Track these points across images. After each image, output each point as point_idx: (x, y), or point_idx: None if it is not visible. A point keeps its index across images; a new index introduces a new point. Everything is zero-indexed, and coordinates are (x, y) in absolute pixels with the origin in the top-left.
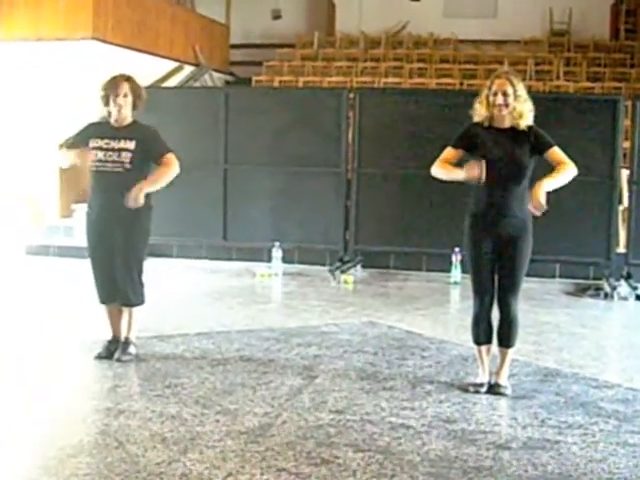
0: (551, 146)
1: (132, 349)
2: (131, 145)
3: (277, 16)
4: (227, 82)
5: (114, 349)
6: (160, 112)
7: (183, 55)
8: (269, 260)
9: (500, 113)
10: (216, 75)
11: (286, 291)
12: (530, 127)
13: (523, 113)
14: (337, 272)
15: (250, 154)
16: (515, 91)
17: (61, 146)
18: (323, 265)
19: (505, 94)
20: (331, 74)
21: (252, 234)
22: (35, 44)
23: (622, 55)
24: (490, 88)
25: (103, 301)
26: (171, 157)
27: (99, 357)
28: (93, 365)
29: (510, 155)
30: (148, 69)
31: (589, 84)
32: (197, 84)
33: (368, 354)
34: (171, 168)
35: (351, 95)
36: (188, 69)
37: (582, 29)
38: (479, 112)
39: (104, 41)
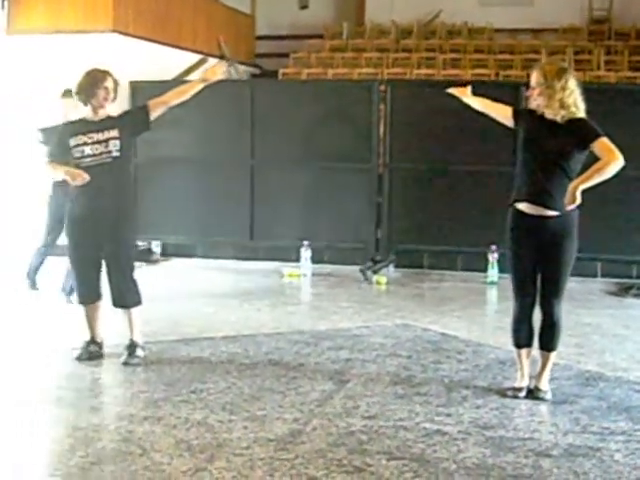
0: (597, 137)
1: (140, 352)
2: (115, 133)
3: (304, 6)
4: (253, 75)
5: (94, 350)
6: (183, 107)
7: (207, 47)
8: (297, 260)
9: (532, 104)
10: (242, 68)
11: (315, 292)
12: (578, 119)
13: (564, 104)
14: (369, 272)
15: (277, 150)
16: (546, 81)
17: (49, 162)
18: (354, 265)
19: (531, 86)
20: (361, 65)
21: (280, 233)
22: (54, 37)
23: None
24: None
25: (84, 301)
26: (153, 101)
27: (79, 359)
28: (116, 370)
29: (547, 146)
30: (171, 62)
31: (631, 74)
32: (222, 77)
33: (402, 358)
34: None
35: (382, 87)
36: (212, 62)
37: (623, 16)
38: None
39: (125, 34)
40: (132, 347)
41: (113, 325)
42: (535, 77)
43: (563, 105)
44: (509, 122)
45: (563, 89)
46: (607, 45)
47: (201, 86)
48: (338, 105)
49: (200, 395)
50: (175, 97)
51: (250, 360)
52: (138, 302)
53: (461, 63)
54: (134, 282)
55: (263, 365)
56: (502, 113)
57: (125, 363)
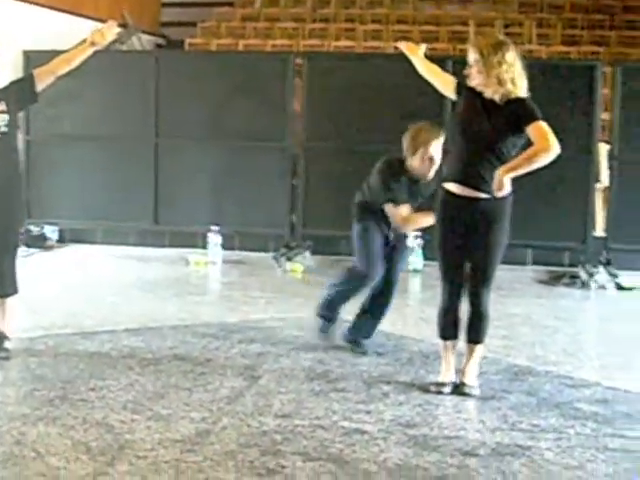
0: (532, 121)
1: (8, 344)
2: (2, 106)
3: None
4: (158, 45)
5: None
6: (82, 79)
7: (109, 15)
8: (206, 246)
9: (472, 82)
10: (145, 38)
11: (225, 281)
12: (517, 99)
13: (502, 81)
14: (283, 259)
15: (184, 127)
16: (482, 57)
17: None
18: (267, 252)
19: (469, 64)
20: (275, 36)
21: (187, 217)
22: None
23: (601, 16)
24: None
25: None
26: (38, 70)
27: None
28: (8, 366)
29: (481, 127)
30: (71, 31)
31: (564, 48)
32: (124, 47)
33: (318, 351)
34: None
35: (298, 60)
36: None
37: None
38: None
39: (22, 0)
40: (1, 339)
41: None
42: (471, 53)
43: (500, 82)
44: (450, 94)
45: (500, 64)
46: (539, 17)
47: (90, 51)
48: (250, 79)
49: (100, 393)
50: (62, 65)
51: (154, 355)
52: (16, 291)
53: (383, 35)
54: (14, 269)
55: (168, 360)
56: (445, 84)
57: None
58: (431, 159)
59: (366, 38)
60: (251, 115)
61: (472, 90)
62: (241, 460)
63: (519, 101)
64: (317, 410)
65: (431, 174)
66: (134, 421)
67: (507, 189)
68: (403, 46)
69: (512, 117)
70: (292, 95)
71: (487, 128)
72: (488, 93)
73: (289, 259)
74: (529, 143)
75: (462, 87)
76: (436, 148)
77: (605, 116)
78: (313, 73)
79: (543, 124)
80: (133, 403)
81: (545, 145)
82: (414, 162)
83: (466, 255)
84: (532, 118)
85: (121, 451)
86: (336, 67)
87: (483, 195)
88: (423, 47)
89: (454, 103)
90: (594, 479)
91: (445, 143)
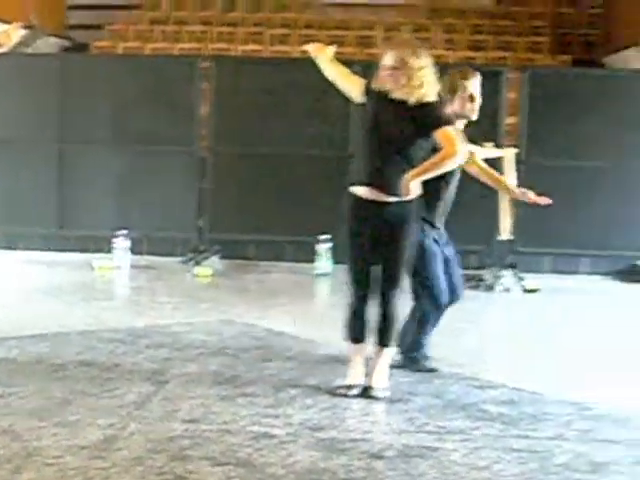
0: (439, 126)
1: None
2: None
3: None
4: (65, 48)
5: None
6: None
7: (13, 16)
8: (111, 251)
9: (387, 85)
10: (52, 40)
11: (133, 286)
12: (426, 103)
13: (421, 85)
14: (190, 264)
15: (90, 131)
16: (406, 61)
17: None
18: (175, 256)
19: (389, 66)
20: (183, 40)
21: (93, 222)
22: None
23: (507, 22)
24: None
25: None
26: None
27: None
28: None
29: (389, 130)
30: None
31: (471, 53)
32: (29, 50)
33: (225, 356)
34: None
35: (205, 64)
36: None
37: None
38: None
39: None
40: None
41: None
42: (394, 57)
43: (417, 86)
44: (358, 97)
45: (420, 69)
46: (446, 23)
47: None
48: (157, 83)
49: (6, 400)
50: None
51: (60, 361)
52: None
53: (291, 39)
54: None
55: (74, 366)
56: (354, 86)
57: None
58: (471, 97)
59: (274, 42)
60: (158, 119)
61: (380, 93)
62: (149, 466)
63: (429, 105)
64: (225, 415)
65: (474, 115)
66: (41, 428)
67: (414, 192)
68: (311, 48)
69: (421, 121)
70: (200, 99)
71: (396, 132)
72: (399, 96)
73: (197, 263)
74: (435, 147)
75: (370, 90)
76: (474, 85)
77: (511, 120)
78: (220, 77)
79: (450, 129)
80: (39, 410)
81: (452, 150)
82: (455, 106)
83: (375, 258)
84: (439, 124)
85: (28, 459)
86: (244, 71)
87: (391, 198)
88: (332, 49)
89: (361, 106)
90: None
91: (353, 146)
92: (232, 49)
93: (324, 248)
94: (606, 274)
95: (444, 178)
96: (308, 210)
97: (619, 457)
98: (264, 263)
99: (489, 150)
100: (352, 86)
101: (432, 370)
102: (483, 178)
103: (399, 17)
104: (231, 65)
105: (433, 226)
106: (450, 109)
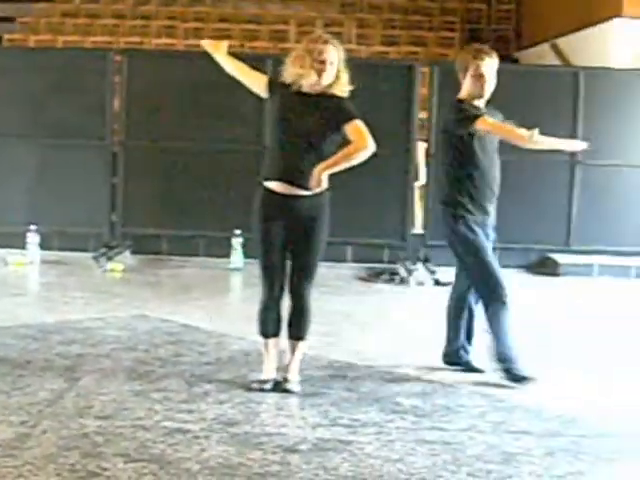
0: (350, 120)
1: None
2: None
3: None
4: None
5: None
6: None
7: None
8: (24, 246)
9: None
10: None
11: (44, 281)
12: (336, 97)
13: (343, 78)
14: (103, 259)
15: (1, 124)
16: (341, 56)
17: None
18: (87, 251)
19: (328, 60)
20: (95, 33)
21: (3, 217)
22: None
23: (419, 17)
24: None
25: None
26: None
27: None
28: None
29: (300, 123)
30: None
31: (383, 48)
32: None
33: (139, 351)
34: None
35: (118, 57)
36: None
37: None
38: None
39: None
40: None
41: None
42: (333, 52)
43: (337, 79)
44: (263, 92)
45: (343, 63)
46: (359, 18)
47: None
48: (69, 76)
49: None
50: None
51: None
52: None
53: (204, 33)
54: None
55: None
56: (257, 81)
57: None
58: (480, 75)
59: (187, 36)
60: (70, 112)
61: (287, 87)
62: (62, 463)
63: (339, 99)
64: (139, 411)
65: (486, 93)
66: None
67: (324, 185)
68: (207, 44)
69: (331, 115)
70: (112, 92)
71: (307, 125)
72: (310, 90)
73: (109, 259)
74: (346, 140)
75: (275, 84)
76: (485, 65)
77: (423, 115)
78: (133, 71)
79: (360, 123)
80: None
81: (362, 143)
82: (466, 84)
83: (287, 252)
84: (350, 117)
85: None
86: (156, 65)
87: (304, 192)
88: (225, 44)
89: (269, 100)
90: (414, 471)
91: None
92: (146, 42)
93: (238, 242)
94: (519, 267)
95: (472, 163)
96: (221, 205)
97: (531, 448)
98: (177, 258)
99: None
100: (254, 81)
101: (526, 378)
102: (500, 134)
103: (312, 12)
104: (143, 58)
105: (476, 213)
106: (463, 89)
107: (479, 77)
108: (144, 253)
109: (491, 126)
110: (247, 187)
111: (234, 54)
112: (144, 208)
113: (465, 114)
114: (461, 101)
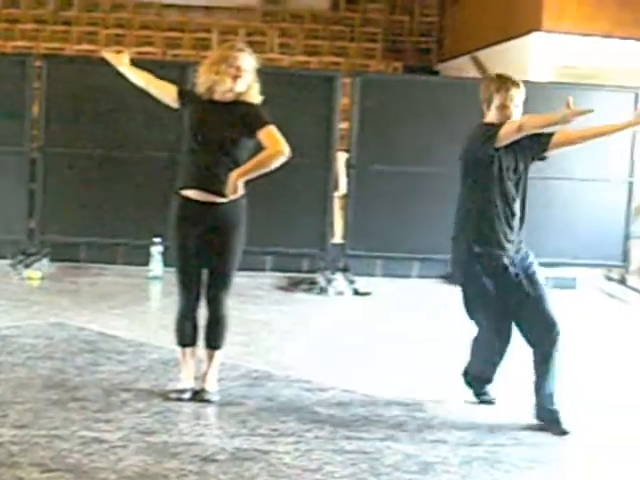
0: (264, 125)
1: None
2: None
3: None
4: None
5: None
6: None
7: None
8: None
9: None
10: None
11: None
12: (249, 104)
13: (249, 87)
14: (20, 266)
15: None
16: (253, 64)
17: None
18: (4, 258)
19: (243, 69)
20: (15, 38)
21: None
22: None
23: (342, 28)
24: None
25: None
26: None
27: None
28: None
29: (214, 131)
30: None
31: (305, 58)
32: None
33: (55, 360)
34: None
35: (38, 63)
36: None
37: None
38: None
39: None
40: None
41: None
42: (248, 60)
43: (249, 88)
44: (173, 102)
45: (254, 70)
46: (281, 27)
47: None
48: None
49: None
50: None
51: None
52: None
53: (126, 39)
54: None
55: None
56: (166, 92)
57: None
58: (503, 106)
59: (108, 42)
60: None
61: (199, 95)
62: None
63: (252, 106)
64: (55, 420)
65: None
66: None
67: (240, 192)
68: (108, 56)
69: (245, 121)
70: (31, 98)
71: (221, 133)
72: (222, 98)
73: (27, 266)
74: (260, 147)
75: (186, 94)
76: (509, 98)
77: (344, 125)
78: (53, 76)
79: (274, 129)
80: None
81: (276, 149)
82: (491, 116)
83: (204, 260)
84: (264, 123)
85: None
86: (77, 71)
87: (220, 199)
88: (126, 55)
89: (182, 109)
90: None
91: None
92: (67, 48)
93: (157, 250)
94: (437, 277)
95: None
96: (140, 212)
97: (448, 457)
98: (96, 266)
99: None
100: (163, 92)
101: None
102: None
103: (235, 20)
104: (64, 64)
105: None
106: (488, 118)
107: (502, 107)
108: (62, 261)
109: (520, 123)
110: (166, 194)
111: (139, 63)
112: (63, 215)
113: (493, 130)
114: (488, 123)
